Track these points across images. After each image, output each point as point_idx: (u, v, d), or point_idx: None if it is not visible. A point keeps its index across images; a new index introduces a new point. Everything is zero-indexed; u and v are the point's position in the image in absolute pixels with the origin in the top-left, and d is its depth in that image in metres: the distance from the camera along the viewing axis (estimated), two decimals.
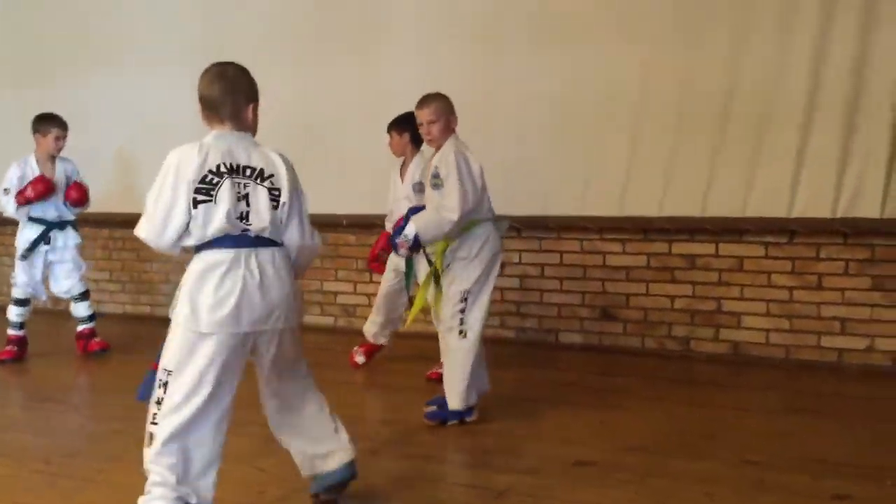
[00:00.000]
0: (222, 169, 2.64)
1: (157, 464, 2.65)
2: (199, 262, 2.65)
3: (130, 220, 7.73)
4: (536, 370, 5.22)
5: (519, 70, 5.80)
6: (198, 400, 2.63)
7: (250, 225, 2.66)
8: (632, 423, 3.99)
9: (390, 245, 4.02)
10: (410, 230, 3.84)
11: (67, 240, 5.80)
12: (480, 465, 3.42)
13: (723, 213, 5.37)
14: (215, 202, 2.61)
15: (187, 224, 2.62)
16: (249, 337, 2.69)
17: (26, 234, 5.69)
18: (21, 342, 5.74)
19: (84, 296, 5.86)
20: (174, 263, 7.15)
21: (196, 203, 2.60)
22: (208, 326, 2.59)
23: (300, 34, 6.48)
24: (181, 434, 2.65)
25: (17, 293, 5.76)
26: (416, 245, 3.87)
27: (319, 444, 2.97)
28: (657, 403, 4.36)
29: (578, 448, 3.61)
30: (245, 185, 2.67)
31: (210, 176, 2.62)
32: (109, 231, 7.43)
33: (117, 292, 7.47)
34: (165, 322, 5.91)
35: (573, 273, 5.85)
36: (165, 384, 2.66)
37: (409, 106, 6.29)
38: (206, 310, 2.59)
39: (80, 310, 5.84)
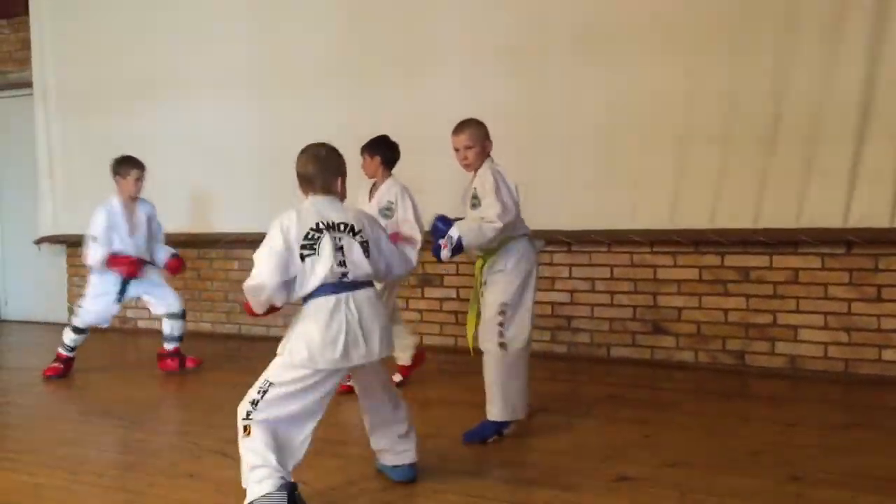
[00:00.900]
0: (320, 226, 3.12)
1: (254, 451, 3.08)
2: (308, 308, 3.12)
3: (193, 241, 8.03)
4: (586, 385, 5.19)
5: (564, 86, 5.82)
6: (310, 423, 3.16)
7: (348, 271, 3.11)
8: (677, 439, 3.94)
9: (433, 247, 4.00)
10: (455, 232, 3.87)
11: (149, 272, 5.94)
12: (521, 481, 3.42)
13: (776, 225, 5.27)
14: (318, 255, 3.08)
15: (295, 275, 3.08)
16: (353, 369, 3.21)
17: (110, 277, 5.78)
18: (69, 363, 5.90)
19: (182, 315, 5.99)
20: (232, 282, 7.34)
21: (303, 258, 3.07)
22: (323, 364, 3.07)
23: (345, 59, 6.62)
24: (275, 432, 3.10)
25: (78, 322, 5.88)
26: (459, 248, 3.89)
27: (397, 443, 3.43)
28: (705, 419, 4.29)
29: (620, 463, 3.58)
30: (340, 238, 3.13)
31: (311, 233, 3.09)
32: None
33: None
34: (226, 338, 6.00)
35: (624, 287, 5.81)
36: (265, 392, 3.09)
37: (453, 124, 6.39)
38: (318, 351, 3.06)
39: (174, 328, 5.96)
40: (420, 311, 6.55)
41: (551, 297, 6.03)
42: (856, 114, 5.02)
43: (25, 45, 8.34)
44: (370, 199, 5.07)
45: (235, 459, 3.76)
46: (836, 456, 3.63)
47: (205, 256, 7.52)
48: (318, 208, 3.18)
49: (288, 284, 3.08)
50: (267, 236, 3.12)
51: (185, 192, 7.46)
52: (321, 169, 3.25)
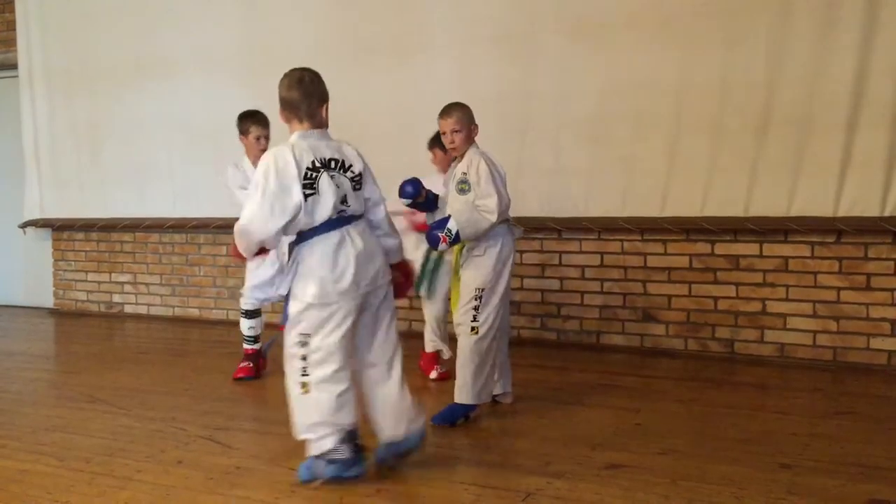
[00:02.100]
0: (317, 164, 3.14)
1: (314, 408, 3.17)
2: (311, 246, 3.14)
3: (180, 225, 8.00)
4: (576, 372, 5.18)
5: (556, 73, 5.79)
6: (339, 355, 3.16)
7: (348, 207, 3.19)
8: (668, 426, 3.94)
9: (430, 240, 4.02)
10: (453, 225, 3.93)
11: None
12: (510, 467, 3.41)
13: (767, 213, 5.27)
14: (319, 193, 3.11)
15: (295, 215, 3.09)
16: (364, 296, 3.21)
17: None
18: (254, 357, 5.23)
19: (249, 314, 5.27)
20: (220, 268, 7.30)
21: (305, 196, 3.08)
22: (337, 297, 3.12)
23: (339, 42, 6.55)
24: (329, 381, 3.16)
25: (245, 304, 5.23)
26: (456, 240, 3.96)
27: (397, 414, 3.34)
28: (696, 406, 4.30)
29: (611, 451, 3.58)
30: (334, 175, 3.17)
31: (309, 172, 3.11)
32: (159, 236, 7.61)
33: (167, 296, 7.64)
34: (213, 324, 5.93)
35: (614, 274, 5.80)
36: (305, 344, 3.15)
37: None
38: (331, 284, 3.12)
39: (243, 326, 5.31)
40: (410, 297, 6.51)
41: (541, 285, 6.02)
42: (847, 103, 5.02)
43: (10, 26, 8.23)
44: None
45: (224, 445, 3.76)
46: (826, 444, 3.64)
47: (192, 241, 7.46)
48: (311, 143, 3.19)
49: (284, 227, 3.10)
50: (259, 176, 3.11)
51: (172, 175, 7.39)
52: (305, 94, 3.23)
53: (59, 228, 8.14)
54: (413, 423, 3.34)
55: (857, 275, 5.14)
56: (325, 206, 3.13)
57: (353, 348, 3.27)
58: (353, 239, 3.18)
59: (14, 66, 8.15)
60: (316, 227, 3.14)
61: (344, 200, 3.18)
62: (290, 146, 3.16)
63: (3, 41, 8.40)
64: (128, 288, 7.86)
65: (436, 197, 4.39)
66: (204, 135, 7.16)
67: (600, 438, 3.77)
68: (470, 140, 4.13)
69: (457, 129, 4.08)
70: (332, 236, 3.14)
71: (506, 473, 3.33)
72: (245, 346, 5.25)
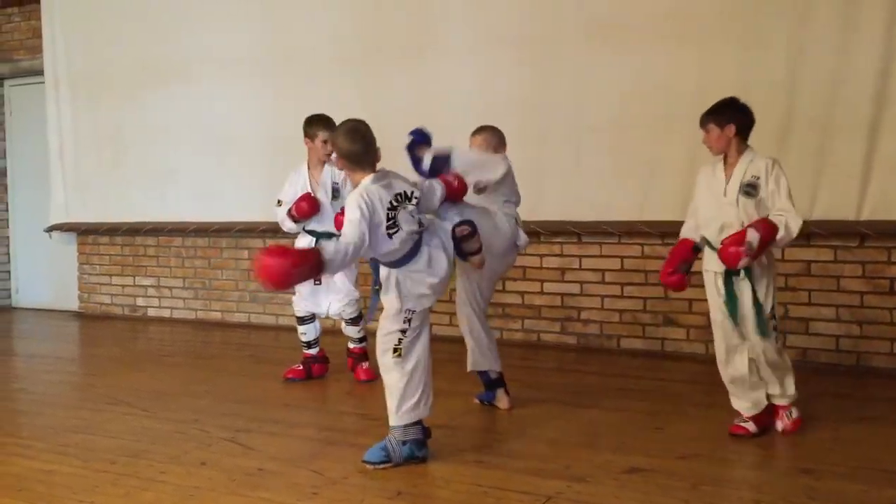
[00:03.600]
0: (393, 203, 3.42)
1: (413, 392, 3.53)
2: (398, 270, 3.47)
3: (203, 229, 8.06)
4: (596, 376, 5.18)
5: (575, 75, 5.79)
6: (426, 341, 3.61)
7: (421, 229, 3.49)
8: (688, 431, 3.93)
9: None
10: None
11: None
12: (530, 471, 3.41)
13: None
14: (401, 228, 3.41)
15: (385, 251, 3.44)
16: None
17: (299, 244, 5.07)
18: (307, 361, 5.25)
19: (354, 321, 5.22)
20: (242, 271, 7.35)
21: (390, 236, 3.38)
22: (417, 306, 3.50)
23: (357, 45, 6.60)
24: (421, 368, 3.58)
25: (295, 311, 5.29)
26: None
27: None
28: (716, 411, 4.27)
29: (631, 455, 3.58)
30: (406, 207, 3.45)
31: (390, 213, 3.40)
32: (182, 239, 7.68)
33: (190, 299, 7.71)
34: (235, 327, 5.93)
35: (634, 278, 5.79)
36: (404, 332, 3.54)
37: (464, 110, 6.37)
38: (428, 299, 3.53)
39: (350, 331, 5.24)
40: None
41: (561, 289, 6.02)
42: (869, 105, 4.99)
43: (37, 33, 8.35)
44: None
45: (246, 447, 3.79)
46: (848, 448, 3.62)
47: (215, 245, 7.53)
48: (383, 185, 3.44)
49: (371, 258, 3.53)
50: (351, 204, 3.37)
51: (195, 179, 7.46)
52: (367, 144, 3.49)
53: (84, 232, 8.24)
54: None
55: (880, 279, 5.10)
56: (403, 237, 3.41)
57: None
58: (424, 255, 3.49)
59: (40, 73, 8.27)
60: (405, 254, 3.45)
61: (420, 224, 3.49)
62: (369, 192, 3.40)
63: (29, 48, 8.52)
64: (151, 291, 7.94)
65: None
66: (226, 138, 7.23)
67: (620, 442, 3.76)
68: None
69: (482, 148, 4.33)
70: (421, 258, 3.48)
71: (526, 477, 3.34)
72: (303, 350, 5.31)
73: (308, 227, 5.07)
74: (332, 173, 5.05)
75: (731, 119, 3.85)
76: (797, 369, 5.11)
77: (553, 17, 5.88)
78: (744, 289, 3.77)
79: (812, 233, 5.19)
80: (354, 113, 6.60)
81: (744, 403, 3.86)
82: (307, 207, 4.97)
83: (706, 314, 5.53)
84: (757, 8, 5.25)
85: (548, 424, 4.08)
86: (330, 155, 4.93)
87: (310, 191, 5.04)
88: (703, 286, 5.52)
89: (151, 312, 7.93)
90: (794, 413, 3.90)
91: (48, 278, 8.68)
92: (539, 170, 5.73)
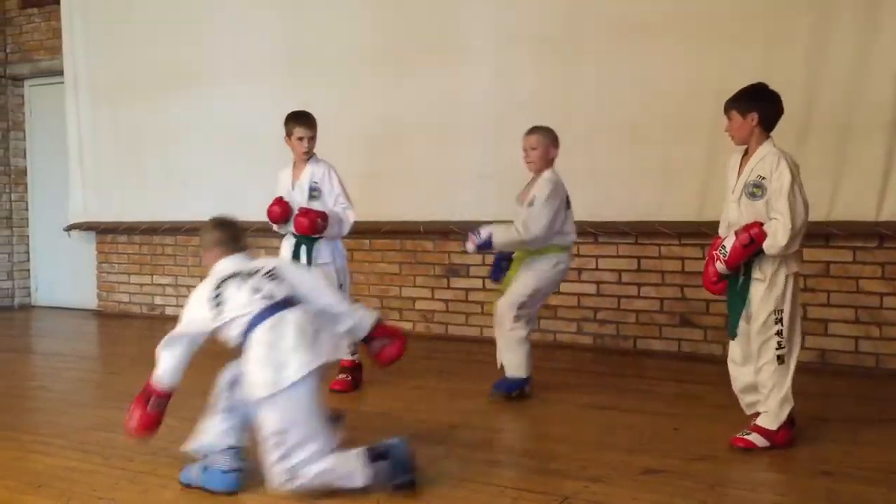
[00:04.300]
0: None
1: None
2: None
3: None
4: (612, 377, 5.17)
5: (594, 75, 5.79)
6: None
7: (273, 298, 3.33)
8: (705, 432, 3.91)
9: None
10: (486, 231, 4.46)
11: (319, 257, 4.78)
12: (547, 471, 3.42)
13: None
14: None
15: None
16: None
17: (283, 246, 4.93)
18: (353, 369, 4.92)
19: None
20: None
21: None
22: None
23: (377, 46, 6.61)
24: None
25: None
26: (487, 245, 4.48)
27: None
28: (734, 412, 4.24)
29: (648, 456, 3.57)
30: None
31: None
32: (199, 239, 7.70)
33: None
34: None
35: (651, 279, 5.77)
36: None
37: (481, 114, 6.38)
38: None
39: None
40: (446, 301, 6.55)
41: (578, 289, 6.01)
42: (890, 105, 4.95)
43: (56, 33, 8.42)
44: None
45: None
46: (868, 451, 3.59)
47: None
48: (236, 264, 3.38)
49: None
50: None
51: (213, 179, 7.50)
52: (234, 230, 3.50)
53: (103, 231, 8.31)
54: None
55: None
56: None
57: None
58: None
59: (60, 73, 8.34)
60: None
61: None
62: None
63: (48, 48, 8.60)
64: (169, 290, 7.99)
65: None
66: (242, 139, 7.26)
67: (637, 443, 3.76)
68: (546, 161, 4.57)
69: (534, 146, 4.53)
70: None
71: (543, 477, 3.34)
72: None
73: (291, 229, 4.80)
74: (313, 173, 4.81)
75: (754, 107, 3.62)
76: (815, 371, 5.13)
77: (573, 17, 5.87)
78: (744, 295, 3.62)
79: (831, 233, 5.17)
80: (373, 113, 6.65)
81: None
82: (279, 212, 4.75)
83: (724, 315, 5.52)
84: (777, 8, 5.22)
85: (564, 425, 4.08)
86: (306, 153, 4.79)
87: (288, 192, 4.81)
88: None
89: (169, 311, 7.97)
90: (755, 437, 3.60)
91: (67, 277, 8.76)
92: (557, 169, 5.70)
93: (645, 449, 3.67)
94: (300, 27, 6.99)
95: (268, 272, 3.34)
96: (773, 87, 5.17)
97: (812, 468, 3.36)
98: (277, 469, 3.11)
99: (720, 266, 3.58)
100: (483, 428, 4.02)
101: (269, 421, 3.12)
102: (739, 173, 3.68)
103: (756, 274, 3.58)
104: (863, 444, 3.69)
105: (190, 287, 7.78)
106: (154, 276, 8.07)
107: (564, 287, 6.03)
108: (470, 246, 4.53)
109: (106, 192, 8.15)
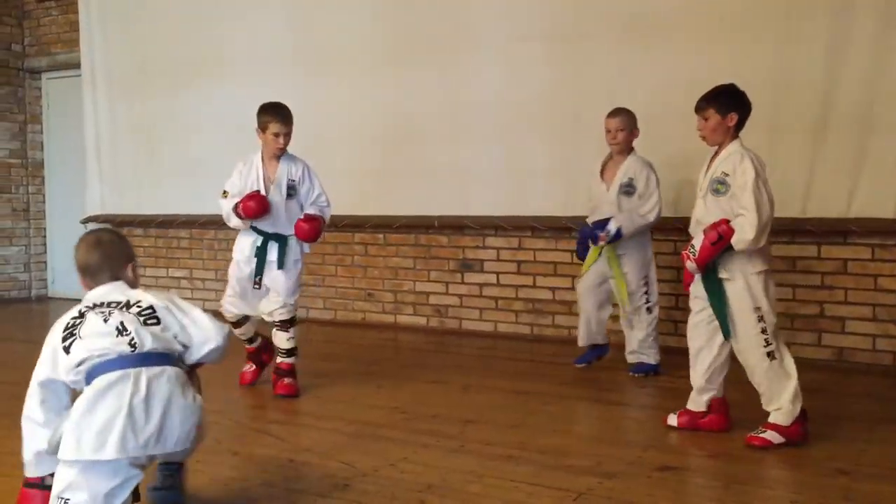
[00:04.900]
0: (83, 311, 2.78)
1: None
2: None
3: None
4: (626, 373, 5.14)
5: (606, 71, 5.76)
6: None
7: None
8: (721, 429, 3.89)
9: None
10: (612, 225, 4.79)
11: (285, 255, 4.65)
12: (561, 467, 3.41)
13: (825, 214, 5.17)
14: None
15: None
16: None
17: (241, 242, 4.74)
18: (255, 355, 4.91)
19: (285, 324, 4.67)
20: None
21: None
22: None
23: (391, 41, 6.61)
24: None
25: (227, 316, 4.78)
26: (617, 237, 4.85)
27: None
28: (750, 409, 4.22)
29: (663, 452, 3.56)
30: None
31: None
32: (215, 232, 7.74)
33: (222, 291, 7.73)
34: (260, 321, 5.90)
35: (665, 275, 5.74)
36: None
37: (495, 108, 6.36)
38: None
39: (280, 338, 4.69)
40: (460, 296, 6.55)
41: None
42: None
43: (74, 26, 8.46)
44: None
45: (278, 438, 3.83)
46: (885, 450, 3.56)
47: None
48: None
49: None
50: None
51: (226, 173, 7.47)
52: (107, 256, 2.87)
53: (119, 224, 8.33)
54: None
55: None
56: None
57: None
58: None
59: (77, 66, 8.38)
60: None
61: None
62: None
63: (66, 41, 8.64)
64: (184, 283, 8.02)
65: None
66: (252, 133, 7.25)
67: (653, 440, 3.74)
68: (631, 140, 4.93)
69: (621, 128, 4.86)
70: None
71: (557, 473, 3.33)
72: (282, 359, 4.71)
73: (257, 225, 4.61)
74: (289, 170, 4.65)
75: (734, 107, 3.64)
76: (832, 369, 5.10)
77: (584, 13, 5.84)
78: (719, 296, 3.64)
79: (849, 231, 5.13)
80: (387, 107, 6.64)
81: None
82: (255, 207, 4.46)
83: None
84: (793, 3, 5.18)
85: (579, 421, 4.08)
86: (282, 150, 4.62)
87: (261, 187, 4.58)
88: None
89: None
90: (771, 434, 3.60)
91: None
92: (569, 166, 5.71)
93: (660, 446, 3.66)
94: (316, 22, 6.99)
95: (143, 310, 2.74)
96: (789, 83, 5.21)
97: (828, 466, 3.34)
98: None
99: (690, 265, 3.63)
100: (497, 423, 4.02)
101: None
102: (707, 171, 3.73)
103: (722, 273, 3.62)
104: (880, 443, 3.66)
105: (205, 280, 7.84)
106: (169, 269, 8.11)
107: (571, 282, 6.03)
108: (601, 243, 4.85)
109: (122, 185, 8.19)
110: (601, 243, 4.84)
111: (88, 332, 2.65)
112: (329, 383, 4.94)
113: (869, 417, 4.08)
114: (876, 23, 4.95)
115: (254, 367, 4.95)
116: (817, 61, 5.11)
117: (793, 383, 3.59)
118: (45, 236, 9.11)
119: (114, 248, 2.91)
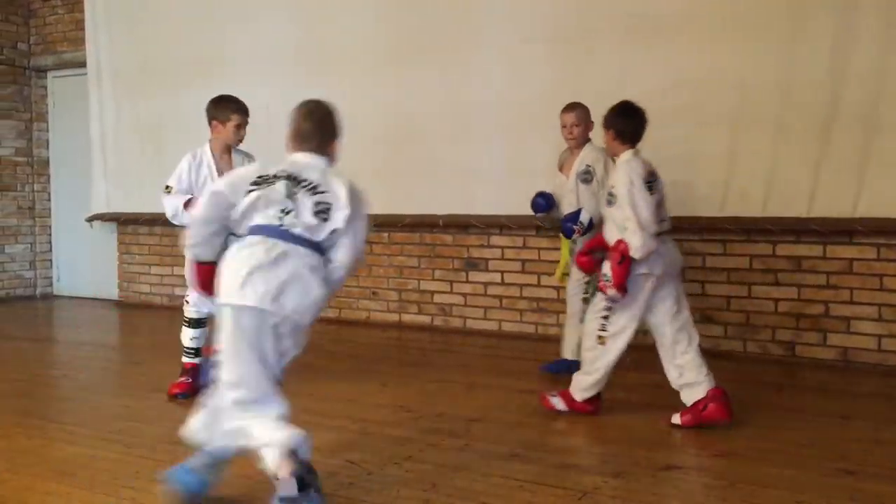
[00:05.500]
0: (279, 174, 2.97)
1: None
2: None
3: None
4: (632, 373, 5.12)
5: (610, 71, 5.75)
6: None
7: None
8: (726, 429, 3.89)
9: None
10: (585, 217, 4.77)
11: None
12: (568, 466, 3.41)
13: (830, 214, 5.17)
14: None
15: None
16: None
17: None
18: (193, 371, 4.68)
19: (192, 323, 4.68)
20: None
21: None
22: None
23: (396, 41, 6.61)
24: None
25: (189, 312, 4.68)
26: (590, 229, 4.77)
27: None
28: (754, 409, 4.24)
29: (668, 452, 3.57)
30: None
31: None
32: None
33: None
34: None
35: None
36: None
37: (497, 108, 6.36)
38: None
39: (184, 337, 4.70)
40: (464, 294, 6.55)
41: None
42: None
43: (79, 25, 8.48)
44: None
45: None
46: (890, 450, 3.57)
47: None
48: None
49: None
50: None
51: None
52: (318, 127, 3.12)
53: (124, 222, 8.36)
54: None
55: None
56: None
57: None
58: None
59: (83, 65, 8.39)
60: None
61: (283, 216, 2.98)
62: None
63: (71, 40, 8.66)
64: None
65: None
66: (261, 132, 7.25)
67: (658, 439, 3.75)
68: (586, 135, 4.93)
69: (576, 123, 4.88)
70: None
71: (562, 472, 3.33)
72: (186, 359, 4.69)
73: None
74: (243, 163, 4.57)
75: (611, 124, 4.20)
76: (837, 369, 5.10)
77: (586, 13, 5.84)
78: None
79: (855, 230, 5.12)
80: (392, 107, 6.66)
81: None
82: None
83: (745, 311, 5.52)
84: (797, 2, 5.17)
85: (583, 420, 4.07)
86: (240, 142, 4.64)
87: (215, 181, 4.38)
88: (739, 283, 5.52)
89: None
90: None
91: (89, 267, 8.83)
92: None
93: (665, 445, 3.67)
94: (318, 22, 6.99)
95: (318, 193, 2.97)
96: (795, 82, 5.21)
97: (834, 467, 3.34)
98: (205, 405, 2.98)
99: (612, 293, 3.88)
100: (501, 422, 4.03)
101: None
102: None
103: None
104: (885, 443, 3.66)
105: None
106: (174, 268, 8.12)
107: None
108: (576, 236, 4.81)
109: (127, 184, 8.20)
110: (575, 236, 4.82)
111: (268, 193, 2.91)
112: (334, 382, 4.95)
113: (874, 417, 4.08)
114: (880, 22, 4.94)
115: (189, 380, 4.62)
116: (822, 61, 5.10)
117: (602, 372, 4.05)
118: (50, 234, 9.13)
119: (326, 121, 3.14)
